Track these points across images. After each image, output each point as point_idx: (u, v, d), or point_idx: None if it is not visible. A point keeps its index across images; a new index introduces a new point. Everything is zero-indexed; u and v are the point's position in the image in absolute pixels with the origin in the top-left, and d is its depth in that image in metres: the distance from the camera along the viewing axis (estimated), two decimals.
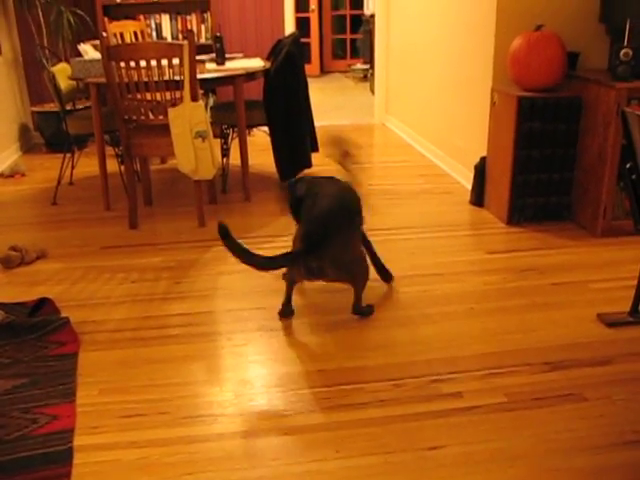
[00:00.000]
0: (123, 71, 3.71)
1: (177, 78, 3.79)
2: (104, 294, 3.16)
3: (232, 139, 4.89)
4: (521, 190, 3.80)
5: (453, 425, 2.15)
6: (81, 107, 4.98)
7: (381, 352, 2.60)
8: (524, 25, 3.93)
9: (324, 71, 11.74)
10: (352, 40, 11.70)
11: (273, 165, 4.57)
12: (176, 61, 3.73)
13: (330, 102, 8.63)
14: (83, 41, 5.12)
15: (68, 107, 4.72)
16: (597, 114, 3.55)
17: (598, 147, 3.57)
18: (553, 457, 1.99)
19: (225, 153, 4.86)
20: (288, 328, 2.80)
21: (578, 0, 3.93)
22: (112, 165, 4.95)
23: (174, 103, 3.77)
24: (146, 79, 3.73)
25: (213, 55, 4.89)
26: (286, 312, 2.91)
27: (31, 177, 5.26)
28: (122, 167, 4.49)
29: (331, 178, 3.00)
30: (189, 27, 6.41)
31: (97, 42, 4.58)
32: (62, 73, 4.49)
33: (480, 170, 4.17)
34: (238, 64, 4.62)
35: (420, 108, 5.78)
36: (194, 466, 1.99)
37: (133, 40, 5.39)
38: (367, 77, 10.12)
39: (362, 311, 2.90)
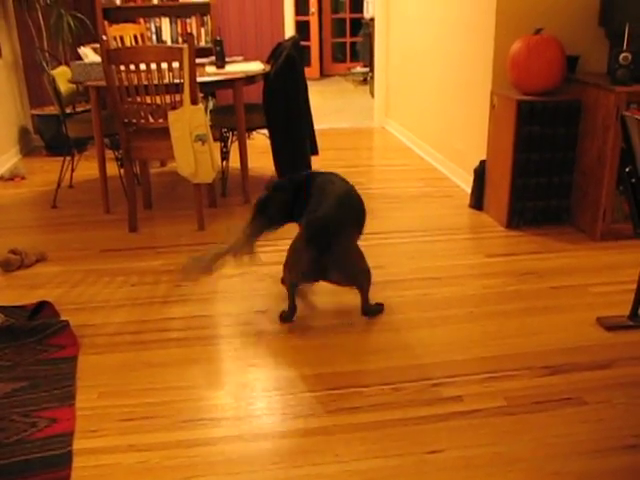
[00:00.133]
0: (123, 74, 3.71)
1: (177, 81, 3.80)
2: (104, 297, 3.16)
3: (232, 142, 4.89)
4: (520, 193, 3.80)
5: (453, 429, 2.15)
6: (81, 110, 4.99)
7: (381, 356, 2.60)
8: (523, 28, 3.94)
9: (324, 74, 11.75)
10: (352, 43, 11.71)
11: (273, 168, 4.57)
12: (176, 64, 3.74)
13: (330, 105, 8.64)
14: (83, 44, 5.13)
15: (68, 110, 4.73)
16: (596, 118, 3.56)
17: (597, 151, 3.57)
18: (553, 461, 1.99)
19: (225, 156, 4.87)
20: (288, 332, 2.80)
21: (578, 4, 3.94)
22: (112, 168, 4.96)
23: (174, 106, 3.78)
24: (146, 82, 3.74)
25: (213, 58, 4.90)
26: (289, 316, 2.89)
27: (31, 180, 5.26)
28: (122, 170, 4.49)
29: (333, 175, 2.98)
30: (189, 30, 6.42)
31: (97, 45, 4.59)
32: (62, 76, 4.50)
33: (480, 173, 4.18)
34: (238, 67, 4.62)
35: (420, 111, 5.78)
36: (194, 470, 1.99)
37: (133, 43, 5.39)
38: (367, 80, 10.13)
39: (371, 310, 2.91)
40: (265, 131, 4.62)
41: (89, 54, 4.61)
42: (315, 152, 4.74)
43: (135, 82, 3.74)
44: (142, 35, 5.53)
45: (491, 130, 4.03)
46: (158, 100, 3.79)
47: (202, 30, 6.44)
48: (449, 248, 3.65)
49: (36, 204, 4.62)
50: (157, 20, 6.40)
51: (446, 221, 4.06)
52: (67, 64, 5.43)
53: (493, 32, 4.00)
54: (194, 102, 3.76)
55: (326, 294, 3.13)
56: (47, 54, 4.83)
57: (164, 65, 3.72)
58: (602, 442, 2.06)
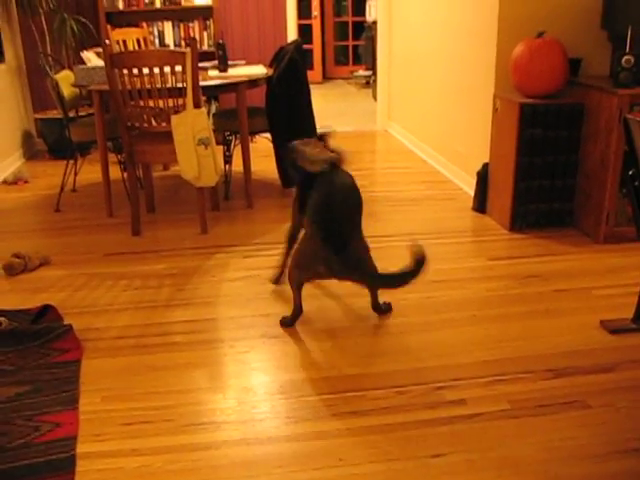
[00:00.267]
0: (126, 78, 3.72)
1: (180, 85, 3.80)
2: (107, 301, 3.16)
3: (234, 146, 4.90)
4: (523, 197, 3.80)
5: (456, 432, 2.14)
6: (84, 114, 5.00)
7: (384, 359, 2.59)
8: (526, 32, 3.94)
9: (326, 77, 11.76)
10: (354, 47, 11.73)
11: (275, 172, 4.58)
12: (179, 68, 3.75)
13: (332, 108, 8.65)
14: (86, 48, 5.14)
15: (71, 114, 4.73)
16: (599, 121, 3.56)
17: (600, 154, 3.57)
18: (556, 464, 1.98)
19: (227, 160, 4.87)
20: (291, 335, 2.80)
21: (580, 7, 3.94)
22: (115, 172, 4.97)
23: (177, 110, 3.78)
24: (149, 86, 3.75)
25: (215, 62, 4.90)
26: (293, 319, 2.87)
27: (34, 184, 5.27)
28: (125, 174, 4.50)
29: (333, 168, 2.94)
30: (192, 34, 6.43)
31: (100, 49, 4.59)
32: (65, 80, 4.51)
33: (482, 176, 4.17)
34: (240, 71, 4.63)
35: (422, 114, 5.78)
36: (197, 474, 1.99)
37: (136, 47, 5.40)
38: (369, 83, 10.14)
39: (382, 308, 2.94)
40: (268, 135, 4.63)
41: (92, 58, 4.62)
42: None
43: (138, 86, 3.75)
44: (145, 39, 5.54)
45: (494, 133, 4.03)
46: (161, 104, 3.80)
47: (205, 34, 6.45)
48: (452, 251, 3.64)
49: (39, 208, 4.63)
50: (160, 24, 6.42)
51: (449, 224, 4.06)
52: (70, 68, 5.44)
53: (495, 35, 4.00)
54: (197, 106, 3.76)
55: (328, 297, 3.13)
56: (50, 58, 4.84)
57: (167, 69, 3.73)
58: (605, 446, 2.06)
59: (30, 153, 6.32)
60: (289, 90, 4.36)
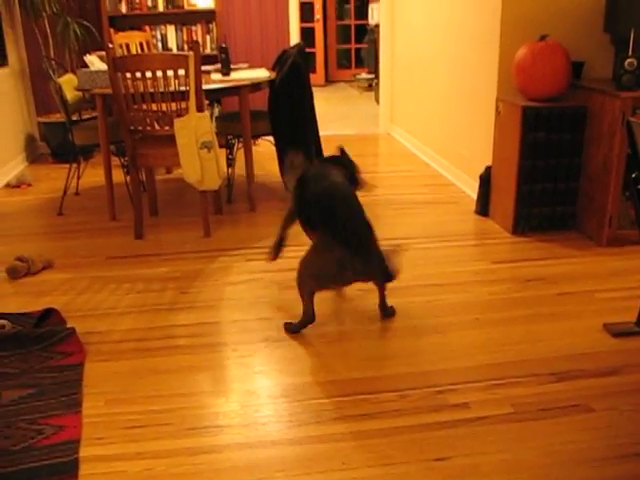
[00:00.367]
0: (129, 82, 3.73)
1: (183, 89, 3.81)
2: (110, 304, 3.16)
3: (237, 149, 4.90)
4: (526, 200, 3.79)
5: (459, 436, 2.14)
6: (87, 118, 5.00)
7: (387, 363, 2.59)
8: (528, 35, 3.94)
9: (329, 81, 11.77)
10: (357, 50, 11.74)
11: (278, 175, 4.58)
12: (182, 72, 3.75)
13: (335, 112, 8.65)
14: (89, 52, 5.15)
15: (74, 118, 4.74)
16: (602, 124, 3.55)
17: (603, 157, 3.57)
18: (560, 468, 1.98)
19: (230, 163, 4.88)
20: (294, 339, 2.80)
21: (582, 10, 3.94)
22: (118, 175, 4.97)
23: (180, 114, 3.79)
24: (152, 90, 3.75)
25: (218, 66, 4.91)
26: (303, 326, 2.85)
27: (37, 187, 5.28)
28: (128, 177, 4.50)
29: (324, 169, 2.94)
30: (194, 38, 6.45)
31: (103, 53, 4.60)
32: (68, 84, 4.52)
33: (485, 180, 4.17)
34: (243, 74, 4.63)
35: (425, 118, 5.78)
36: (200, 477, 1.99)
37: (139, 51, 5.41)
38: (372, 87, 10.14)
39: (388, 309, 2.96)
40: (271, 138, 4.63)
41: (95, 62, 4.63)
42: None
43: (141, 89, 3.75)
44: (148, 43, 5.55)
45: (496, 136, 4.03)
46: (164, 107, 3.80)
47: (207, 37, 6.46)
48: (455, 254, 3.64)
49: (42, 211, 4.64)
50: (163, 28, 6.43)
51: (451, 227, 4.06)
52: (73, 72, 5.46)
53: (498, 38, 4.00)
54: (200, 109, 3.77)
55: (330, 301, 3.13)
56: (53, 62, 4.85)
57: (170, 72, 3.73)
58: (609, 449, 2.06)
59: (33, 156, 6.34)
60: (292, 93, 4.37)
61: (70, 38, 5.93)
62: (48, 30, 5.99)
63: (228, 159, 4.86)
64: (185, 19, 6.44)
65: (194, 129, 3.75)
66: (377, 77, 8.18)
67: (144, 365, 2.62)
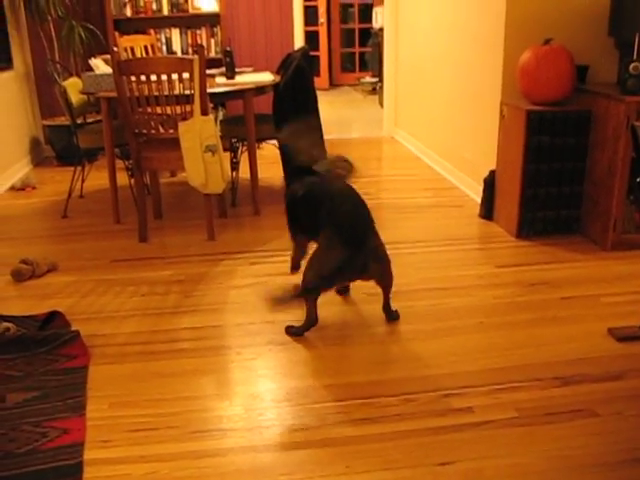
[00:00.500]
0: (134, 85, 3.74)
1: (187, 92, 3.81)
2: (114, 307, 3.17)
3: (242, 153, 4.91)
4: (531, 204, 3.79)
5: (464, 440, 2.14)
6: (92, 121, 5.02)
7: (391, 367, 2.59)
8: (533, 38, 3.95)
9: (333, 84, 11.79)
10: (361, 53, 11.75)
11: (282, 178, 4.58)
12: (186, 75, 3.76)
13: (339, 115, 8.66)
14: (94, 55, 5.16)
15: (79, 121, 4.76)
16: (607, 128, 3.55)
17: (608, 161, 3.56)
18: (564, 473, 1.97)
19: (235, 167, 4.88)
20: (298, 342, 2.80)
21: (587, 13, 3.94)
22: (122, 178, 4.99)
23: (184, 117, 3.80)
24: (156, 93, 3.76)
25: (223, 69, 4.92)
26: (305, 329, 2.85)
27: (42, 190, 5.29)
28: (132, 180, 4.51)
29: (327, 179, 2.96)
30: (199, 41, 6.46)
31: (108, 56, 4.61)
32: (73, 87, 4.53)
33: (489, 183, 4.17)
34: (248, 78, 4.64)
35: (429, 121, 5.79)
36: None
37: (143, 54, 5.42)
38: (376, 90, 10.15)
39: (392, 311, 2.96)
40: (275, 142, 4.64)
41: (100, 65, 4.64)
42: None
43: (146, 93, 3.76)
44: (152, 46, 5.56)
45: (501, 140, 4.03)
46: (168, 111, 3.81)
47: (212, 41, 6.48)
48: (459, 258, 3.64)
49: (47, 214, 4.65)
50: (167, 31, 6.45)
51: (456, 231, 4.06)
52: (78, 75, 5.47)
53: (502, 42, 4.00)
54: (204, 113, 3.77)
55: (334, 304, 3.13)
56: (58, 65, 4.87)
57: (174, 76, 3.74)
58: (613, 454, 2.05)
59: (38, 159, 6.35)
60: (296, 97, 4.37)
61: (75, 41, 5.95)
62: (53, 33, 6.01)
63: (232, 162, 4.87)
64: (190, 22, 6.46)
65: (199, 132, 3.75)
66: (381, 80, 8.19)
67: (148, 368, 2.63)
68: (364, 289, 3.20)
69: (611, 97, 3.49)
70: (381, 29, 8.15)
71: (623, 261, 3.53)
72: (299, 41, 6.77)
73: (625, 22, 3.71)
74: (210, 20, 6.43)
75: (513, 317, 2.96)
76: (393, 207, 4.57)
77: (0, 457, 2.09)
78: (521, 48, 3.96)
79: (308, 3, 10.61)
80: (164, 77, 3.73)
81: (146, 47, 5.49)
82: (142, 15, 6.27)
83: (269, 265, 3.61)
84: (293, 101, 4.38)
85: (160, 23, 6.43)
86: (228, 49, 4.66)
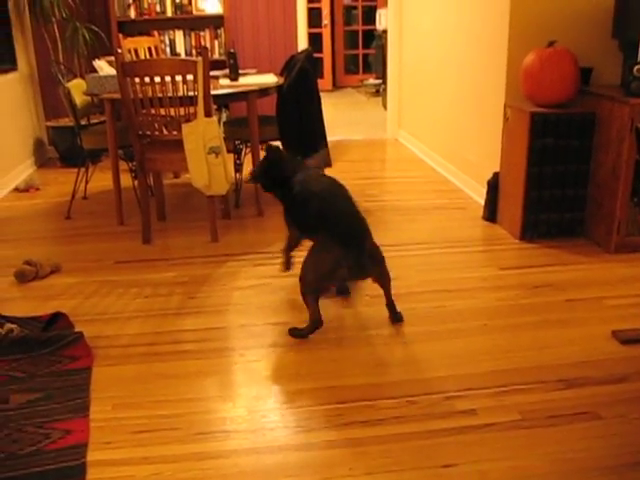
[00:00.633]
0: (137, 87, 3.74)
1: (191, 94, 3.82)
2: (118, 309, 3.17)
3: (245, 154, 4.91)
4: (534, 206, 3.79)
5: (467, 443, 2.13)
6: (95, 122, 5.02)
7: (394, 369, 2.59)
8: (536, 41, 3.94)
9: (336, 86, 11.78)
10: (364, 55, 11.75)
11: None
12: (190, 77, 3.77)
13: (343, 117, 8.66)
14: (98, 57, 5.17)
15: (83, 122, 4.76)
16: (611, 130, 3.55)
17: (612, 163, 3.56)
18: (567, 476, 1.97)
19: (238, 168, 4.89)
20: (301, 344, 2.80)
21: (591, 16, 3.94)
22: (126, 180, 4.99)
23: (188, 119, 3.80)
24: (160, 95, 3.76)
25: (226, 71, 4.92)
26: (310, 331, 2.84)
27: (45, 191, 5.30)
28: (136, 182, 4.52)
29: (318, 175, 2.98)
30: (203, 43, 6.47)
31: (112, 58, 4.62)
32: (77, 89, 4.54)
33: (493, 186, 4.17)
34: (251, 80, 4.65)
35: (433, 123, 5.78)
36: None
37: (147, 56, 5.43)
38: (379, 92, 10.15)
39: (395, 308, 2.96)
40: (278, 143, 4.63)
41: (104, 67, 4.65)
42: (328, 164, 4.75)
43: (149, 94, 3.76)
44: (156, 48, 5.57)
45: (504, 142, 4.03)
46: (172, 112, 3.82)
47: (216, 43, 6.49)
48: (462, 260, 3.64)
49: (50, 215, 4.66)
50: (171, 33, 6.46)
51: (459, 233, 4.05)
52: (82, 77, 5.48)
53: (506, 44, 4.00)
54: (208, 114, 3.78)
55: (338, 307, 3.13)
56: (62, 67, 4.87)
57: (178, 78, 3.75)
58: (617, 458, 2.05)
59: (42, 161, 6.36)
60: (300, 99, 4.38)
61: (79, 43, 5.96)
62: (57, 35, 6.02)
63: (236, 164, 4.87)
64: (193, 24, 6.47)
65: (202, 134, 3.75)
66: (385, 82, 8.19)
67: (151, 370, 2.63)
68: (366, 291, 3.20)
69: (615, 99, 3.48)
70: (385, 31, 8.15)
71: (627, 264, 3.52)
72: (303, 43, 6.77)
73: (629, 24, 3.70)
74: (214, 22, 6.44)
75: (516, 320, 2.95)
76: (396, 209, 4.56)
77: (3, 458, 2.09)
78: (525, 50, 3.96)
79: (312, 5, 10.61)
80: (168, 79, 3.74)
81: (150, 49, 5.50)
82: (146, 17, 6.28)
83: (273, 267, 3.61)
84: (297, 103, 4.38)
85: (164, 25, 6.44)
86: (232, 51, 4.67)
